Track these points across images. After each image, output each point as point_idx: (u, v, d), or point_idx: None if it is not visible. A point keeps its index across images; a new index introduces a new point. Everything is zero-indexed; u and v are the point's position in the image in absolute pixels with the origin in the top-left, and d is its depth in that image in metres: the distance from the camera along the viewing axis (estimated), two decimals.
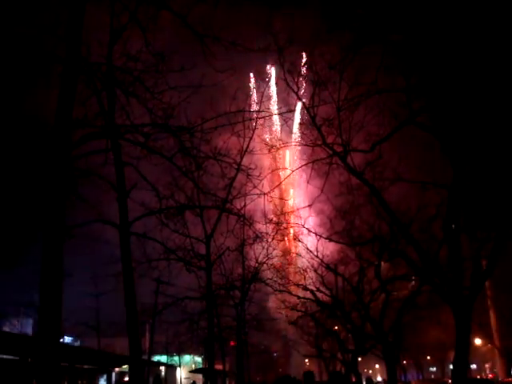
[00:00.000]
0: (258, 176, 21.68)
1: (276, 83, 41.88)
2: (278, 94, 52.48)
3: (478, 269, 16.66)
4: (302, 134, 18.65)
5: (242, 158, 21.46)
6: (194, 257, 27.23)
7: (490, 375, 28.63)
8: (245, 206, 23.75)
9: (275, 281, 28.75)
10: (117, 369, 43.96)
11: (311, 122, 16.65)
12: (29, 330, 38.73)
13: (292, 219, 24.13)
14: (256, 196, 23.08)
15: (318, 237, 23.87)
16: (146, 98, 15.60)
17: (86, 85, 14.73)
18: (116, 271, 20.65)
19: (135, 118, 16.29)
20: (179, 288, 30.33)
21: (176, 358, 59.61)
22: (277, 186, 22.16)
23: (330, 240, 22.90)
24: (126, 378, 39.99)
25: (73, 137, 14.84)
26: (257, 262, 29.02)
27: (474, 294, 16.18)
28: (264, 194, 22.81)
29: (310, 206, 22.37)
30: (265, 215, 24.18)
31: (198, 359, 72.60)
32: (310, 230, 23.85)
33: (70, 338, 46.18)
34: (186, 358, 67.33)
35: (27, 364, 20.53)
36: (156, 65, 14.92)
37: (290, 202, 31.61)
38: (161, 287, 31.02)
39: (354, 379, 29.87)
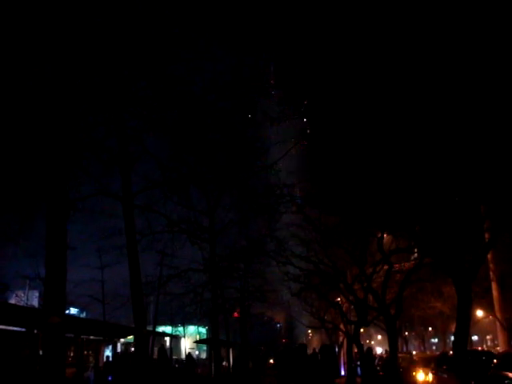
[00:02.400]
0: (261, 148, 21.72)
1: None
2: None
3: (481, 241, 16.77)
4: None
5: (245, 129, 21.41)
6: (198, 229, 27.40)
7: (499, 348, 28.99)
8: (249, 179, 23.78)
9: (278, 253, 28.90)
10: (122, 340, 44.50)
11: None
12: (35, 303, 39.17)
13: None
14: (259, 169, 23.15)
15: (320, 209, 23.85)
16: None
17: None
18: (121, 244, 20.85)
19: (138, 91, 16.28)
20: (183, 260, 30.58)
21: (180, 329, 60.29)
22: (281, 157, 22.13)
23: (331, 213, 22.91)
24: (132, 349, 40.51)
25: (75, 109, 14.86)
26: (260, 234, 29.17)
27: (475, 266, 16.28)
28: (268, 167, 22.85)
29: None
30: (268, 188, 24.22)
31: (203, 330, 73.52)
32: (306, 205, 23.74)
33: (76, 310, 46.77)
34: (191, 328, 68.13)
35: (33, 335, 20.81)
36: None
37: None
38: (165, 259, 31.23)
39: (355, 350, 30.24)
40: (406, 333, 58.21)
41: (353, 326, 29.95)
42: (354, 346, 30.46)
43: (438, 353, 37.90)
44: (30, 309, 26.37)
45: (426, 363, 25.51)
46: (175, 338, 60.47)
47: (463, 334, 15.93)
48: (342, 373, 41.93)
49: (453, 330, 36.82)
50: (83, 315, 47.25)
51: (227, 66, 17.66)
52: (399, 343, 33.36)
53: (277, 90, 17.63)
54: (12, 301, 35.60)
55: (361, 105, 14.83)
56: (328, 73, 14.79)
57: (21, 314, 20.07)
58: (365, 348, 27.89)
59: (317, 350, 23.58)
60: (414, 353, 41.48)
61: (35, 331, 20.88)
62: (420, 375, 24.40)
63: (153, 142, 19.58)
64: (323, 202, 22.19)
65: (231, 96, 18.51)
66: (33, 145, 14.83)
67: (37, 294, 40.79)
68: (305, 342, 77.70)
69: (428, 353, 50.40)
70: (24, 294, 38.98)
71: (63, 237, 14.52)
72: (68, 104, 14.32)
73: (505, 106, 12.58)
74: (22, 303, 35.17)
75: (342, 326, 35.79)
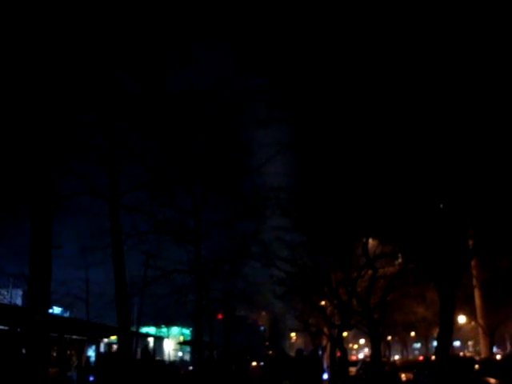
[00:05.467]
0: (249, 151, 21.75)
1: None
2: None
3: (464, 248, 16.91)
4: None
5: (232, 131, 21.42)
6: (184, 230, 27.36)
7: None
8: (235, 180, 23.79)
9: (263, 255, 28.92)
10: (105, 339, 44.29)
11: None
12: (18, 301, 38.84)
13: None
14: (246, 171, 23.18)
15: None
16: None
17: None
18: (106, 243, 20.76)
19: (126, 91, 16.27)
20: (168, 261, 30.49)
21: (164, 330, 60.10)
22: (266, 161, 22.15)
23: (317, 217, 22.98)
24: (115, 349, 40.29)
25: (63, 108, 14.82)
26: (245, 236, 29.17)
27: (459, 273, 16.42)
28: (254, 169, 22.89)
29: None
30: (254, 190, 24.26)
31: (186, 331, 73.29)
32: (292, 208, 23.78)
33: (60, 309, 46.44)
34: (174, 329, 67.92)
35: (17, 334, 20.68)
36: None
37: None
38: (150, 260, 31.15)
39: (339, 354, 30.32)
40: (389, 337, 58.39)
41: (336, 330, 30.06)
42: (338, 349, 30.56)
43: (420, 358, 38.14)
44: (13, 307, 26.21)
45: (409, 368, 25.69)
46: (159, 339, 60.29)
47: (446, 340, 16.06)
48: (325, 376, 42.02)
49: (435, 335, 37.06)
50: (67, 314, 46.92)
51: (216, 69, 17.71)
52: (382, 348, 33.53)
53: (266, 93, 17.69)
54: None
55: (349, 110, 14.93)
56: (317, 78, 14.89)
57: (4, 312, 19.96)
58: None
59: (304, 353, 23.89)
60: (396, 357, 41.71)
61: (18, 330, 20.75)
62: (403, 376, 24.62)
63: (140, 143, 19.53)
64: (309, 206, 22.27)
65: (219, 98, 18.54)
66: (19, 143, 14.76)
67: (20, 293, 40.46)
68: (288, 345, 77.85)
69: (410, 357, 50.68)
70: (7, 292, 38.66)
71: (48, 235, 14.47)
72: (56, 102, 14.28)
73: (491, 117, 12.75)
74: (5, 302, 34.88)
75: (325, 330, 35.89)
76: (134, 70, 15.68)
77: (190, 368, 47.03)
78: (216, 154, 21.83)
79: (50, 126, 14.27)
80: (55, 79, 14.02)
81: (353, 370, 30.04)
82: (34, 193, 14.60)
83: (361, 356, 66.36)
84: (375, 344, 22.04)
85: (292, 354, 22.29)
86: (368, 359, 36.91)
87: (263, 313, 59.51)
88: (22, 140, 14.62)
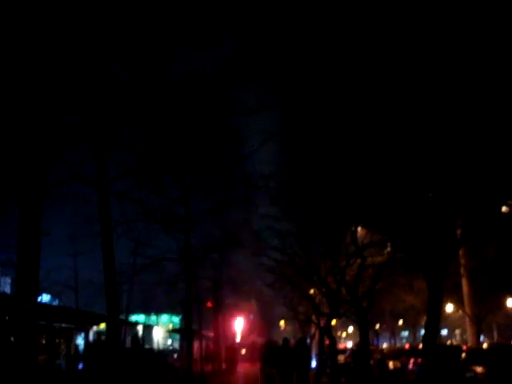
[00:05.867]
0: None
1: None
2: None
3: (453, 237, 17.00)
4: None
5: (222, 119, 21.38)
6: (173, 218, 27.33)
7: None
8: (225, 169, 23.79)
9: (253, 244, 28.98)
10: (94, 328, 44.27)
11: None
12: (7, 289, 38.68)
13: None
14: (236, 159, 23.16)
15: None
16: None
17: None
18: (95, 231, 20.71)
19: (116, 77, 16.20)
20: (158, 249, 30.49)
21: (153, 318, 60.14)
22: (257, 149, 22.12)
23: (307, 206, 23.00)
24: (104, 337, 40.32)
25: (52, 93, 14.72)
26: (235, 225, 29.23)
27: (447, 262, 16.52)
28: (245, 157, 22.85)
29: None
30: (245, 179, 24.24)
31: (176, 320, 73.40)
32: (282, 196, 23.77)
33: (48, 297, 46.34)
34: (164, 318, 67.95)
35: (5, 322, 20.61)
36: None
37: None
38: (139, 248, 31.13)
39: (327, 342, 30.49)
40: (378, 326, 58.77)
41: (325, 318, 30.21)
42: (326, 337, 30.71)
43: (407, 346, 38.45)
44: (2, 295, 26.10)
45: (397, 356, 25.90)
46: (148, 327, 60.35)
47: (433, 328, 16.18)
48: (314, 365, 42.31)
49: (423, 323, 37.30)
50: (55, 302, 46.84)
51: (206, 55, 17.61)
52: (370, 336, 33.75)
53: (255, 81, 17.63)
54: None
55: (339, 97, 14.91)
56: (308, 65, 14.84)
57: None
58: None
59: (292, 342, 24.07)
60: (384, 346, 41.98)
61: (7, 318, 20.68)
62: (391, 364, 24.80)
63: (129, 130, 19.45)
64: (298, 194, 22.28)
65: (209, 86, 18.48)
66: (8, 129, 14.66)
67: (9, 281, 40.30)
68: (277, 332, 78.16)
69: (398, 345, 51.09)
70: None
71: (37, 222, 14.41)
72: (45, 88, 14.18)
73: (479, 108, 12.79)
74: None
75: (314, 318, 36.04)
76: (123, 58, 15.60)
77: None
78: (206, 142, 21.81)
79: (38, 113, 14.17)
80: (44, 66, 13.91)
81: (341, 358, 30.21)
82: (22, 180, 14.52)
83: (349, 345, 66.76)
84: (363, 332, 22.16)
85: (280, 342, 22.56)
86: (355, 348, 37.15)
87: (252, 301, 59.59)
88: (10, 127, 14.52)
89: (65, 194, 19.13)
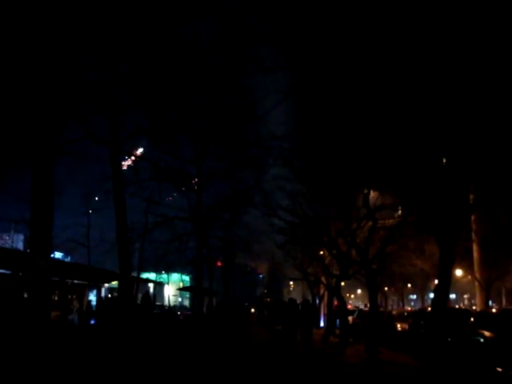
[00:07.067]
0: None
1: None
2: None
3: (466, 202, 16.90)
4: None
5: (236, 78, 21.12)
6: (185, 178, 27.38)
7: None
8: (237, 129, 23.65)
9: (264, 204, 28.99)
10: (106, 284, 44.88)
11: None
12: (20, 246, 39.17)
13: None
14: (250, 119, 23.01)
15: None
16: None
17: None
18: (107, 189, 20.81)
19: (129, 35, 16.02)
20: (169, 208, 30.65)
21: (164, 276, 60.82)
22: (270, 109, 22.00)
23: (319, 167, 22.87)
24: (116, 294, 40.90)
25: (65, 50, 14.58)
26: (247, 185, 29.22)
27: (459, 226, 16.46)
28: (258, 117, 22.67)
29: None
30: (257, 139, 24.14)
31: (186, 278, 74.23)
32: (294, 157, 23.64)
33: (61, 254, 46.89)
34: (174, 276, 68.74)
35: (19, 278, 20.89)
36: None
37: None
38: (151, 207, 31.29)
39: (336, 303, 30.76)
40: (386, 288, 59.07)
41: (334, 279, 30.37)
42: (335, 298, 30.94)
43: (416, 309, 38.71)
44: (15, 251, 26.39)
45: (404, 318, 26.05)
46: (159, 285, 61.10)
47: (443, 292, 16.23)
48: (322, 324, 42.80)
49: (432, 287, 37.50)
50: (68, 259, 47.44)
51: (222, 14, 17.37)
52: (379, 298, 33.96)
53: (271, 40, 17.41)
54: None
55: (353, 59, 14.72)
56: (323, 31, 14.68)
57: (6, 256, 20.08)
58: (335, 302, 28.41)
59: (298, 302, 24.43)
60: (393, 308, 42.23)
61: (20, 274, 20.96)
62: (398, 326, 24.99)
63: (142, 89, 19.33)
64: (311, 155, 22.18)
65: (224, 43, 18.26)
66: (20, 87, 14.57)
67: (22, 238, 40.77)
68: (286, 293, 79.03)
69: (407, 308, 51.44)
70: (9, 237, 38.95)
71: (50, 181, 14.46)
72: (58, 45, 14.04)
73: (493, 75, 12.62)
74: (6, 246, 35.20)
75: (323, 279, 36.26)
76: (137, 14, 15.41)
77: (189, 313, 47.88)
78: (220, 101, 21.63)
79: (53, 69, 14.07)
80: (58, 20, 13.74)
81: (349, 318, 30.46)
82: (35, 138, 14.51)
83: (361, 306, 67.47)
84: (372, 294, 22.27)
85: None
86: (366, 309, 37.44)
87: (262, 261, 60.07)
88: (24, 84, 14.43)
89: (77, 152, 19.17)
